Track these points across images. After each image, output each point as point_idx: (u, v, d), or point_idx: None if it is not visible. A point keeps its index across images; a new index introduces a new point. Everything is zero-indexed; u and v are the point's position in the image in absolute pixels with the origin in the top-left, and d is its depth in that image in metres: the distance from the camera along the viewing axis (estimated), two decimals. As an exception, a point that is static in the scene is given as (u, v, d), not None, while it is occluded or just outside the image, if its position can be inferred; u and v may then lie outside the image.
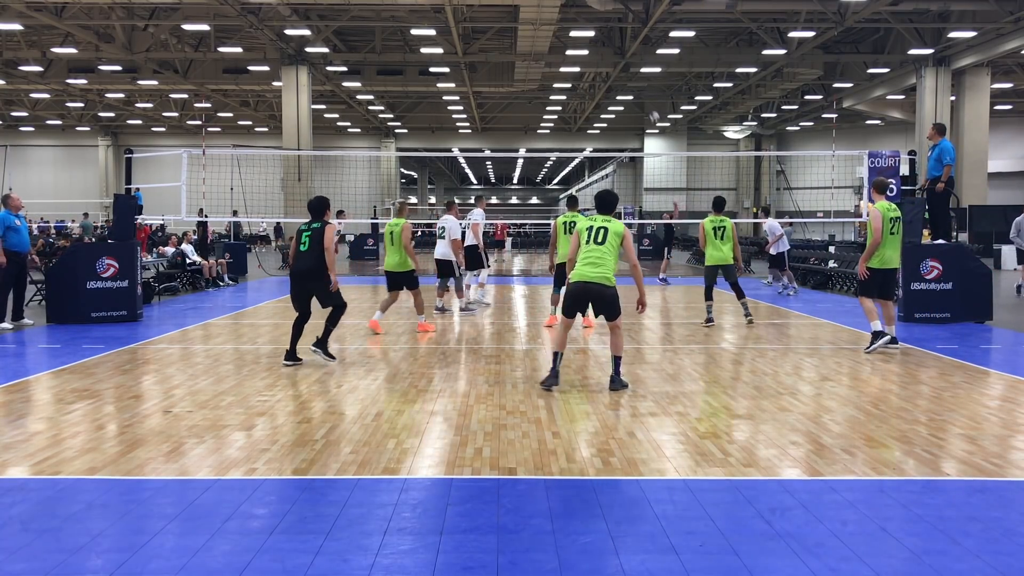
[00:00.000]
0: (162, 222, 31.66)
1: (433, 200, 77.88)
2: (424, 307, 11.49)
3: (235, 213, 27.26)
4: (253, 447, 5.61)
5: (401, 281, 11.35)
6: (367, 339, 10.77)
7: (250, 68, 36.27)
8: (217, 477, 4.97)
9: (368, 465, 5.19)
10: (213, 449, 5.57)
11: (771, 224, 17.66)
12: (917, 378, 8.14)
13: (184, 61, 36.20)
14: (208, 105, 45.91)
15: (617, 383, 7.54)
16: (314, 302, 8.78)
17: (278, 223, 44.75)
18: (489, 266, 15.96)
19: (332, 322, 8.80)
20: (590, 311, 7.70)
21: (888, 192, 10.39)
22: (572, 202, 12.04)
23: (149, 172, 28.61)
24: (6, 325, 11.62)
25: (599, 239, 7.46)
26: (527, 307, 15.20)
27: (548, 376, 7.60)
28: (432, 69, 37.08)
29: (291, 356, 8.76)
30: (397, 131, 54.40)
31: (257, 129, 54.05)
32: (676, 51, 33.08)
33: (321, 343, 8.81)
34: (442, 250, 13.15)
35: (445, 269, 13.26)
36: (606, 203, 7.76)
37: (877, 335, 9.41)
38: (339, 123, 52.67)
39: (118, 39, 31.22)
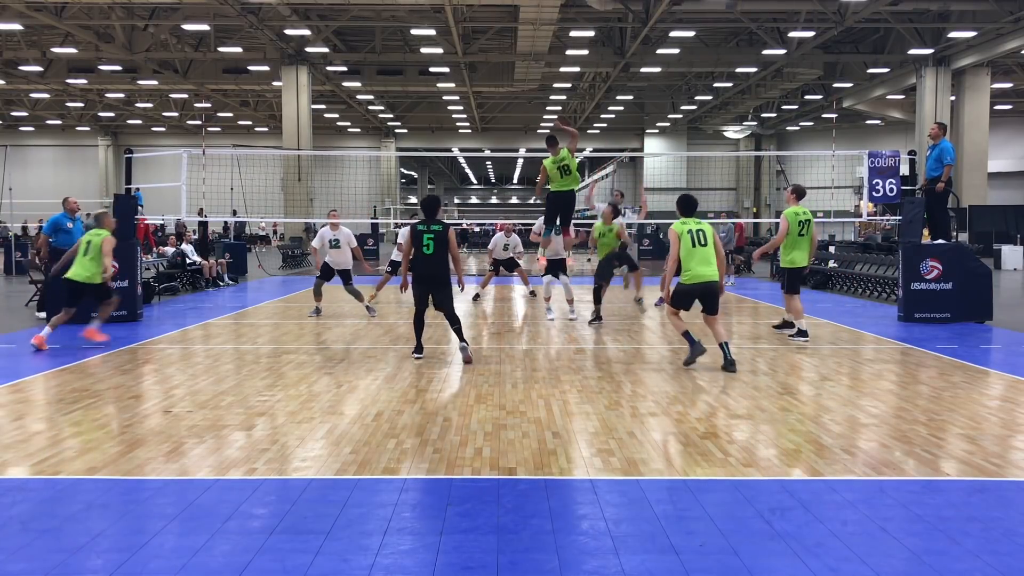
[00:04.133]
0: (162, 222, 31.64)
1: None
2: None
3: (234, 213, 27.29)
4: (253, 447, 5.61)
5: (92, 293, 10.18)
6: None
7: (250, 68, 36.30)
8: (217, 477, 4.97)
9: (368, 465, 5.19)
10: (213, 449, 5.57)
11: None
12: (917, 378, 8.14)
13: (184, 61, 36.22)
14: (208, 105, 45.94)
15: (733, 365, 8.24)
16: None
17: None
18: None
19: (455, 321, 9.06)
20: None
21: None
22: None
23: (149, 172, 28.57)
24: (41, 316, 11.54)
25: (702, 241, 8.34)
26: (528, 307, 15.19)
27: (690, 356, 8.43)
28: (432, 69, 37.11)
29: (419, 349, 9.24)
30: (397, 131, 54.43)
31: (257, 129, 54.10)
32: (676, 51, 33.09)
33: (462, 342, 9.10)
34: (343, 258, 13.09)
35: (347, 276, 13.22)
36: (691, 206, 8.60)
37: (801, 333, 10.55)
38: (339, 123, 52.70)
39: (118, 39, 31.24)
